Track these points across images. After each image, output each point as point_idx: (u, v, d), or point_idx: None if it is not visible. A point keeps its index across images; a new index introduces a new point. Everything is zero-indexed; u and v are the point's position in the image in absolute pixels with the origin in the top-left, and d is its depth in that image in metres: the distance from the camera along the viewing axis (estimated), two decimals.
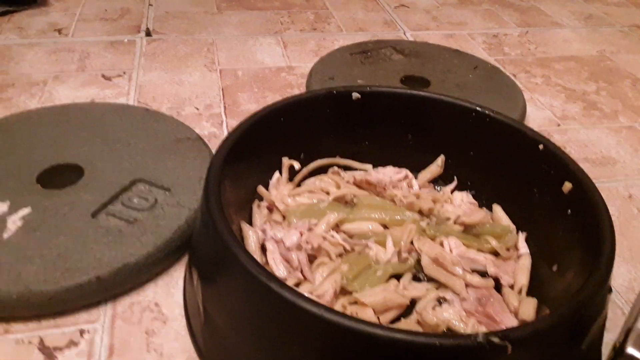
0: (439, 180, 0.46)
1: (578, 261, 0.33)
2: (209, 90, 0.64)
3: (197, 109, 0.60)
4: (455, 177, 0.46)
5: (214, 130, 0.57)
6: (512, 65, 0.74)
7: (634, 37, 0.85)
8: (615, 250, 0.31)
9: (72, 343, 0.35)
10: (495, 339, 0.24)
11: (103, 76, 0.65)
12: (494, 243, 0.39)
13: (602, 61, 0.77)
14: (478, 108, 0.43)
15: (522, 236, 0.40)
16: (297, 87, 0.66)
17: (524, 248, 0.39)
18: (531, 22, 0.88)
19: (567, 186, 0.37)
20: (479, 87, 0.64)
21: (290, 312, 0.26)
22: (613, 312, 0.39)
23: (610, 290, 0.31)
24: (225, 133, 0.57)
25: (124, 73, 0.66)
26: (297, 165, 0.45)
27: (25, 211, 0.41)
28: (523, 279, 0.37)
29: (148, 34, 0.76)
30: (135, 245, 0.39)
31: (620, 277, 0.42)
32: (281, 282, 0.27)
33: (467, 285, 0.36)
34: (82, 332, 0.35)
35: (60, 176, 0.45)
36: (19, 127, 0.52)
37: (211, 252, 0.35)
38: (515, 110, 0.59)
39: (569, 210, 0.36)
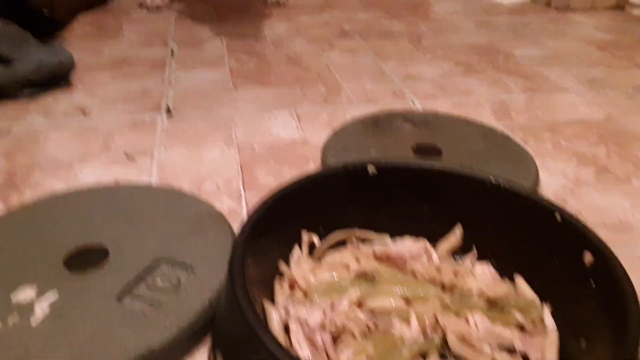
0: (458, 250, 0.47)
1: (606, 336, 0.33)
2: (228, 166, 0.66)
3: (217, 184, 0.62)
4: (474, 247, 0.46)
5: (234, 206, 0.58)
6: (521, 131, 0.76)
7: (639, 99, 0.87)
8: None
9: None
10: None
11: (126, 155, 0.68)
12: (519, 317, 0.39)
13: (609, 124, 0.78)
14: (492, 178, 0.45)
15: (547, 309, 0.40)
16: (312, 159, 0.68)
17: (550, 322, 0.39)
18: (536, 88, 0.91)
19: (588, 257, 0.37)
20: (490, 155, 0.65)
21: None
22: None
23: None
24: (244, 207, 0.58)
25: (146, 151, 0.69)
26: (316, 240, 0.46)
27: (52, 296, 0.42)
28: (552, 355, 0.36)
29: (168, 112, 0.79)
30: (159, 330, 0.39)
31: None
32: None
33: None
34: None
35: (86, 258, 0.47)
36: (46, 210, 0.53)
37: (236, 334, 0.35)
38: (528, 178, 0.60)
39: (593, 283, 0.36)
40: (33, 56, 0.84)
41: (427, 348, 0.36)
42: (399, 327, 0.37)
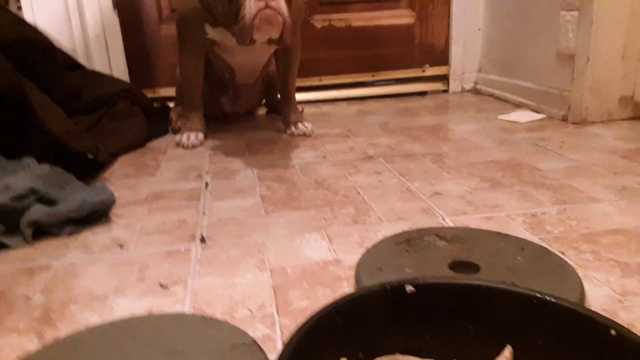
0: None
1: None
2: (261, 291, 0.65)
3: (250, 310, 0.61)
4: None
5: (268, 332, 0.57)
6: (558, 243, 0.74)
7: None
8: None
9: None
10: None
11: (160, 285, 0.68)
12: None
13: None
14: (538, 295, 0.43)
15: None
16: (345, 280, 0.67)
17: None
18: (567, 199, 0.90)
19: None
20: (531, 269, 0.63)
21: None
22: None
23: None
24: (279, 334, 0.56)
25: (180, 281, 0.69)
26: None
27: None
28: None
29: (202, 241, 0.81)
30: None
31: None
32: None
33: None
34: None
35: None
36: (79, 345, 0.53)
37: None
38: (573, 291, 0.57)
39: None
40: (76, 196, 0.89)
41: None
42: None
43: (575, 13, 1.42)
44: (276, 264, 0.72)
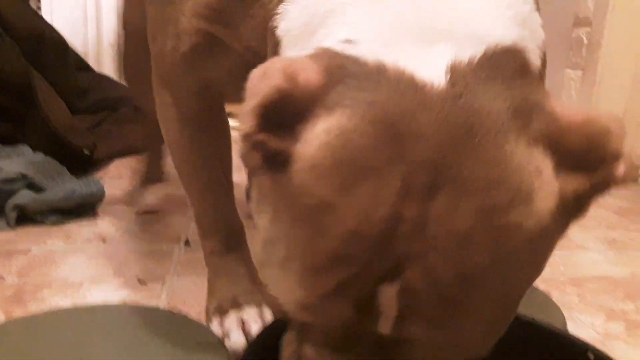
0: None
1: None
2: None
3: None
4: None
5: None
6: (545, 284, 0.73)
7: None
8: None
9: None
10: None
11: (138, 280, 0.67)
12: None
13: (635, 282, 0.76)
14: (523, 315, 0.42)
15: None
16: None
17: None
18: (557, 246, 0.90)
19: None
20: None
21: None
22: None
23: None
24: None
25: (159, 278, 0.68)
26: None
27: None
28: None
29: (187, 244, 0.80)
30: None
31: None
32: None
33: None
34: None
35: None
36: (46, 324, 0.52)
37: None
38: (557, 325, 0.56)
39: None
40: (65, 186, 0.88)
41: None
42: None
43: (580, 72, 1.45)
44: None
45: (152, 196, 1.04)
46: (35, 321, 0.52)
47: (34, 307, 0.58)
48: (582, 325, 0.62)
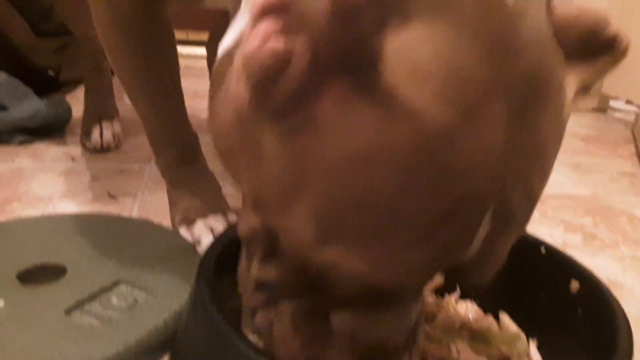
0: (441, 290, 0.45)
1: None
2: None
3: None
4: (457, 286, 0.44)
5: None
6: None
7: (624, 182, 0.88)
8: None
9: None
10: None
11: (109, 195, 0.67)
12: (504, 349, 0.36)
13: (596, 201, 0.79)
14: None
15: (532, 344, 0.37)
16: None
17: (535, 356, 0.36)
18: None
19: (575, 285, 0.36)
20: None
21: None
22: None
23: None
24: None
25: (130, 194, 0.68)
26: None
27: None
28: None
29: None
30: (105, 344, 0.36)
31: None
32: None
33: None
34: None
35: (42, 275, 0.45)
36: (11, 230, 0.52)
37: (202, 343, 0.33)
38: None
39: (580, 310, 0.34)
40: (30, 106, 0.86)
41: None
42: None
43: None
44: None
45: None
46: (4, 228, 0.52)
47: (2, 219, 0.58)
48: (541, 236, 0.64)
